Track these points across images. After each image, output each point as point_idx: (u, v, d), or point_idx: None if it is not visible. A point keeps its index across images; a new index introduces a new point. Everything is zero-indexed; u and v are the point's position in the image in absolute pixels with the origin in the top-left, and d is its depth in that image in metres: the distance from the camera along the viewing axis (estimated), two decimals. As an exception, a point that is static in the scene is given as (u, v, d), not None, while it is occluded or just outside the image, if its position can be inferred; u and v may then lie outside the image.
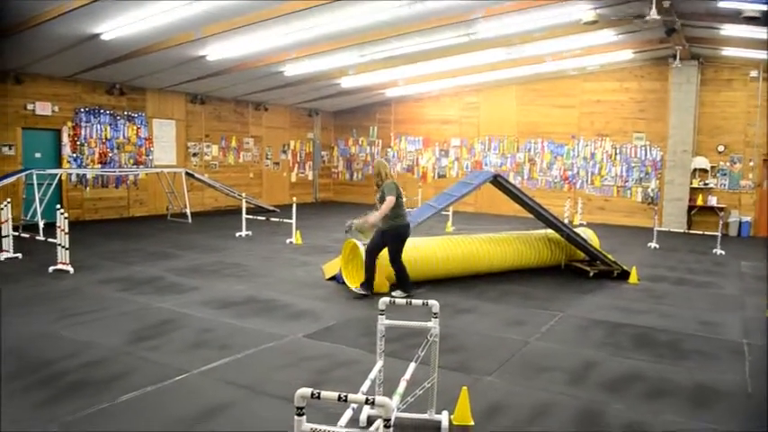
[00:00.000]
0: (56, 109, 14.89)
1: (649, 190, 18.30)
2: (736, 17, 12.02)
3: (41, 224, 11.79)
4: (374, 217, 8.06)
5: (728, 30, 14.11)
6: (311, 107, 22.30)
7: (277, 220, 14.35)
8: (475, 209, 20.35)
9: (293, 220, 12.97)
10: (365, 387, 3.99)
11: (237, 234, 13.53)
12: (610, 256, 10.39)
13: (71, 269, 9.29)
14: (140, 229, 14.41)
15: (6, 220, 10.13)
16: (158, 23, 11.04)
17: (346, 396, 2.72)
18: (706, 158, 17.67)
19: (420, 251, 9.06)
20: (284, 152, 21.72)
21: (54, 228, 9.59)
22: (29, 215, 12.57)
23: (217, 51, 13.40)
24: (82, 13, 10.30)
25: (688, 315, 8.09)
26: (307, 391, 2.71)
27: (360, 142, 23.13)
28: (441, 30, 12.97)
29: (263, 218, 14.58)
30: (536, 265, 10.50)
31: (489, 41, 14.32)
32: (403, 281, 8.36)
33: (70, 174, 15.15)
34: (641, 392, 5.36)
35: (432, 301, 4.46)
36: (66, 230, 9.28)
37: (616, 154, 18.78)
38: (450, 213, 15.63)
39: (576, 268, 10.52)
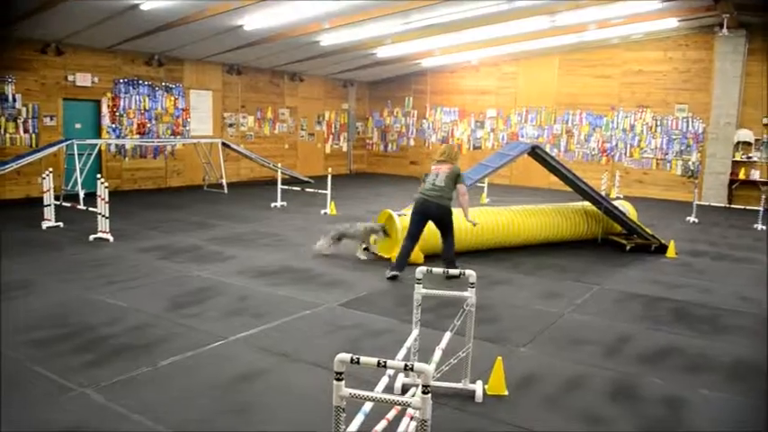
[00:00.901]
0: (96, 80, 15.10)
1: (690, 163, 17.90)
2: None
3: (82, 194, 12.05)
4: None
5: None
6: (346, 78, 22.21)
7: (312, 190, 14.43)
8: (509, 181, 20.16)
9: (328, 191, 13.02)
10: (401, 355, 4.03)
11: (273, 204, 13.64)
12: (648, 230, 10.23)
13: (111, 237, 9.49)
14: (177, 199, 14.63)
15: (48, 190, 10.35)
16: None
17: (385, 362, 2.74)
18: (750, 131, 17.16)
19: (455, 222, 9.01)
20: (319, 123, 21.74)
21: (94, 197, 9.79)
22: (69, 185, 12.83)
23: (254, 21, 13.40)
24: (120, -17, 10.38)
25: (727, 290, 7.95)
26: (346, 356, 2.73)
27: (395, 113, 23.01)
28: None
29: (298, 188, 14.67)
30: (572, 237, 10.40)
31: (531, 9, 14.03)
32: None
33: (109, 144, 15.40)
34: (678, 366, 5.31)
35: (469, 271, 4.46)
36: (106, 200, 9.46)
37: (656, 126, 18.37)
38: (485, 185, 15.52)
39: (613, 242, 10.39)
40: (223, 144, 16.61)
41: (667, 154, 18.28)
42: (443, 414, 4.26)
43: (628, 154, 18.78)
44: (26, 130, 13.90)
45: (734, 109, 16.98)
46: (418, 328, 4.48)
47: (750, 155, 17.20)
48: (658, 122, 18.34)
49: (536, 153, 9.42)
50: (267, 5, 12.31)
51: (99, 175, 10.27)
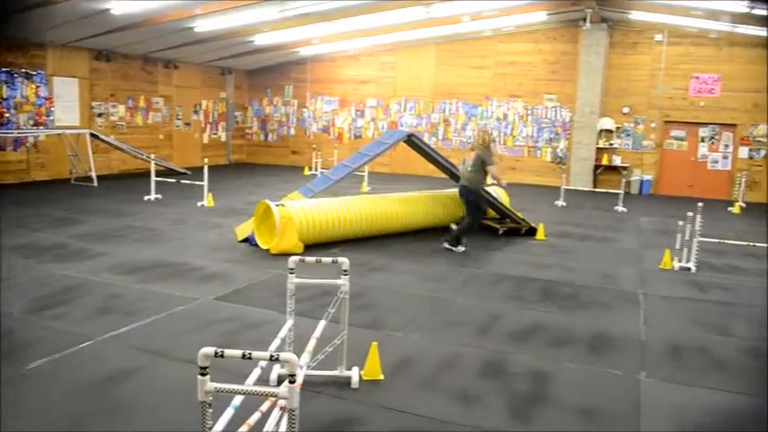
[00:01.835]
0: (-57, 65, 13.86)
1: (558, 150, 18.91)
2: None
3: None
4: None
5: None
6: (224, 65, 21.64)
7: (188, 182, 13.99)
8: (390, 169, 20.47)
9: (205, 183, 12.67)
10: (274, 346, 4.00)
11: (146, 197, 13.10)
12: (519, 214, 10.72)
13: (-35, 236, 8.79)
14: (43, 193, 13.73)
15: None
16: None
17: (250, 354, 2.71)
18: (611, 119, 18.36)
19: (334, 211, 9.05)
20: (196, 112, 21.05)
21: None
22: None
23: (122, 4, 12.73)
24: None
25: (590, 268, 8.49)
26: (210, 350, 2.67)
27: (275, 102, 22.71)
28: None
29: (174, 180, 14.18)
30: (449, 223, 10.70)
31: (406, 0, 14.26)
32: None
33: (-38, 135, 14.20)
34: (544, 341, 5.61)
35: (341, 259, 4.48)
36: (-42, 195, 8.73)
37: (527, 115, 19.25)
38: (365, 173, 15.66)
39: (487, 226, 10.80)
40: (92, 135, 15.73)
41: (538, 142, 19.22)
42: (319, 402, 4.28)
43: (501, 142, 19.56)
44: None
45: (597, 99, 18.08)
46: (293, 318, 4.46)
47: (612, 142, 18.40)
48: (529, 112, 19.23)
49: (412, 141, 9.61)
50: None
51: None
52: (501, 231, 10.44)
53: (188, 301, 6.40)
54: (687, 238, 8.70)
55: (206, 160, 13.37)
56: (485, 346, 5.44)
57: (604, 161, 18.33)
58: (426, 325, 5.94)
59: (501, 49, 19.35)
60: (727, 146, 17.87)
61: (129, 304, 6.23)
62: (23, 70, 15.48)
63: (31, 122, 15.71)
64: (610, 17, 17.60)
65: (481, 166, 9.04)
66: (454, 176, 10.22)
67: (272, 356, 2.70)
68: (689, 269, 8.64)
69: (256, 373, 3.70)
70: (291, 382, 2.62)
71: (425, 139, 19.71)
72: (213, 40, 16.98)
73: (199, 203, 12.57)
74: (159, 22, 14.52)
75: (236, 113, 22.80)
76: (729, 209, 15.42)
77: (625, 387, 4.76)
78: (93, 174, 15.25)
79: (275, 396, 2.77)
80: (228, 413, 3.04)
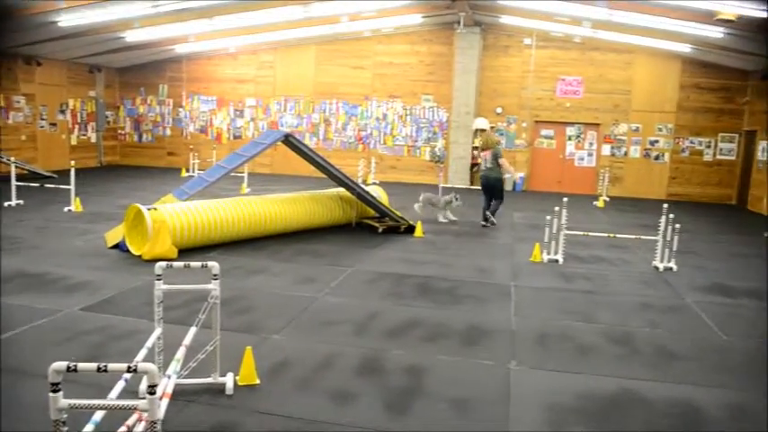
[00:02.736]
0: None
1: (436, 149, 19.39)
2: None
3: None
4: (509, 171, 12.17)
5: (505, 1, 15.28)
6: (93, 63, 20.52)
7: (54, 186, 13.17)
8: (271, 170, 20.24)
9: (72, 186, 11.97)
10: (141, 356, 3.84)
11: (6, 204, 12.20)
12: (398, 213, 10.91)
13: None
14: None
15: None
16: None
17: (106, 366, 2.59)
18: (486, 119, 19.06)
19: (211, 214, 8.83)
20: (62, 112, 19.85)
21: None
22: None
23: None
24: None
25: (466, 264, 8.78)
26: (62, 365, 2.53)
27: (149, 101, 21.82)
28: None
29: (38, 185, 13.30)
30: (329, 223, 10.74)
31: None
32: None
33: None
34: (420, 337, 5.74)
35: (211, 263, 4.36)
36: None
37: (407, 115, 19.63)
38: (245, 174, 15.39)
39: (367, 225, 10.92)
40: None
41: (417, 141, 19.64)
42: (192, 411, 4.16)
43: (382, 142, 19.83)
44: None
45: (472, 99, 18.71)
46: (161, 326, 4.30)
47: (486, 141, 19.08)
48: (408, 112, 19.61)
49: (290, 141, 9.53)
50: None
51: None
52: (381, 230, 10.58)
53: (50, 313, 6.02)
54: (555, 231, 9.18)
55: (73, 162, 12.64)
56: (362, 344, 5.49)
57: (480, 160, 18.96)
58: (304, 326, 5.92)
59: (380, 49, 19.62)
60: (591, 144, 19.04)
61: (-18, 319, 5.78)
62: None
63: None
64: (482, 21, 18.27)
65: (495, 160, 11.58)
66: (334, 177, 10.25)
67: (129, 368, 2.58)
68: (557, 261, 9.13)
69: (120, 385, 3.54)
70: (152, 393, 2.53)
71: (306, 140, 19.72)
72: (80, 35, 16.06)
73: (66, 209, 11.86)
74: (19, 16, 13.55)
75: (108, 113, 21.70)
76: (594, 203, 16.44)
77: (496, 376, 4.96)
78: (-56, 179, 14.04)
79: (135, 409, 2.66)
80: (89, 428, 2.89)
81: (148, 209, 8.31)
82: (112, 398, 3.40)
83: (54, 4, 13.11)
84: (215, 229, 8.85)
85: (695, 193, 18.69)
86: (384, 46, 19.56)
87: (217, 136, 21.11)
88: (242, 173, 15.40)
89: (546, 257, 9.19)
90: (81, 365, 2.53)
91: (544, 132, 19.16)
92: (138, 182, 17.00)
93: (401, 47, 19.48)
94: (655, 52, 18.02)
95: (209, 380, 4.49)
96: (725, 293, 7.94)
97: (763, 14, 11.53)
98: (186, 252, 8.39)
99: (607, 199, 17.17)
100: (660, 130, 18.65)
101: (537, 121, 19.13)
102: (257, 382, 4.59)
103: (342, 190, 10.81)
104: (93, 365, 2.57)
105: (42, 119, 19.08)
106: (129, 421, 3.28)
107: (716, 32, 13.89)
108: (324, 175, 11.28)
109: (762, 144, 16.95)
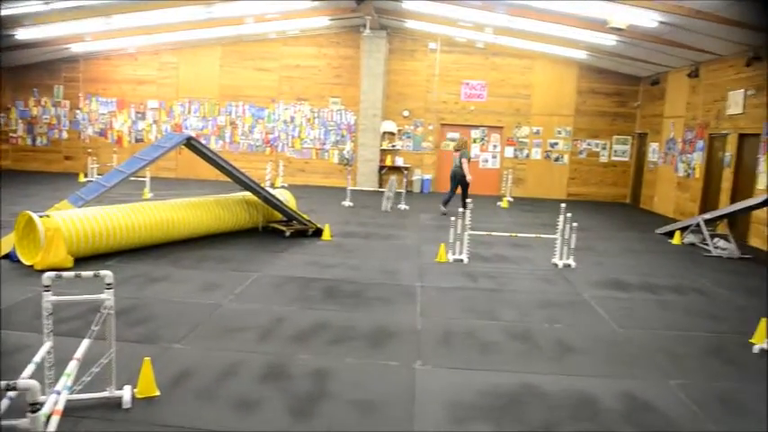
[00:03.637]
0: None
1: (345, 152, 19.44)
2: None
3: None
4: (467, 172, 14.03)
5: (409, 4, 15.49)
6: (-22, 62, 19.30)
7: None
8: (176, 174, 19.67)
9: (-45, 193, 11.21)
10: (28, 372, 3.63)
11: None
12: (305, 216, 10.85)
13: None
14: None
15: None
16: None
17: (-18, 385, 2.43)
18: (393, 122, 19.27)
19: (110, 220, 8.47)
20: (-55, 114, 18.56)
21: None
22: None
23: None
24: None
25: (373, 266, 8.83)
26: (-69, 385, 2.36)
27: (43, 103, 20.70)
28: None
29: None
30: (235, 228, 10.53)
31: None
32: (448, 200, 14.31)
33: None
34: (326, 340, 5.72)
35: (104, 272, 4.18)
36: None
37: (314, 118, 19.55)
38: (147, 179, 14.89)
39: (274, 229, 10.80)
40: None
41: (325, 144, 19.60)
42: (86, 427, 3.98)
43: (290, 145, 19.67)
44: None
45: (379, 102, 18.85)
46: (51, 340, 4.08)
47: (394, 143, 19.31)
48: (316, 114, 19.54)
49: (192, 144, 9.29)
50: None
51: None
52: (288, 234, 10.48)
53: (-71, 329, 5.61)
54: (459, 232, 9.38)
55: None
56: (267, 350, 5.42)
57: (388, 162, 19.19)
58: (207, 334, 5.78)
59: (286, 52, 19.45)
60: (495, 146, 19.58)
61: None
62: None
63: None
64: (388, 24, 18.45)
65: (461, 160, 13.99)
66: (239, 180, 10.06)
67: (8, 386, 2.44)
68: (462, 261, 9.32)
69: (5, 404, 3.34)
70: (33, 411, 2.40)
71: (212, 143, 19.31)
72: (-38, 32, 15.08)
73: (-52, 217, 11.09)
74: None
75: (-3, 115, 20.45)
76: (499, 203, 16.91)
77: (401, 377, 5.00)
78: None
79: (15, 428, 2.51)
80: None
81: (40, 216, 7.89)
82: (-6, 418, 3.21)
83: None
84: (114, 237, 8.50)
85: (592, 192, 19.57)
86: (290, 48, 19.41)
87: (117, 139, 20.29)
88: (144, 177, 14.89)
89: (451, 257, 9.37)
90: (-47, 385, 2.37)
91: (450, 135, 19.54)
92: (32, 188, 16.10)
93: (308, 49, 19.39)
94: (553, 58, 18.75)
95: (105, 394, 4.31)
96: (619, 288, 8.34)
97: (652, 24, 12.23)
98: (84, 261, 8.02)
99: (511, 199, 17.71)
100: (559, 132, 19.42)
101: (443, 124, 19.50)
102: (157, 393, 4.44)
103: (248, 194, 10.63)
104: (-32, 384, 2.41)
105: None
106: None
107: (609, 40, 14.61)
108: (230, 179, 11.08)
109: (652, 146, 17.96)
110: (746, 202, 11.39)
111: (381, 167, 19.11)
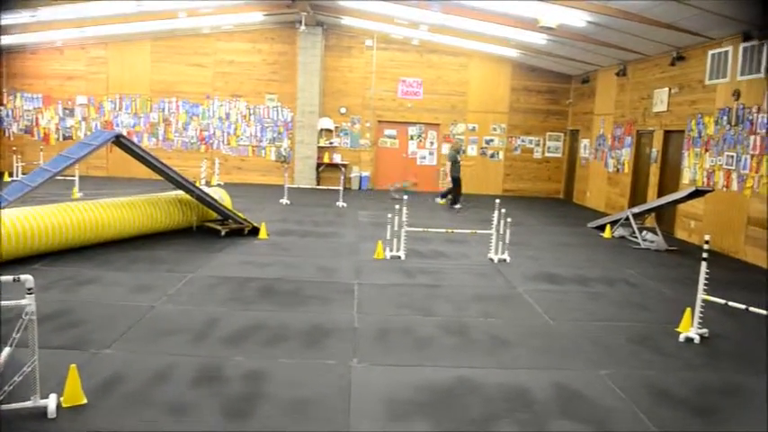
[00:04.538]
0: None
1: (282, 149, 19.25)
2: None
3: None
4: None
5: (345, 2, 15.46)
6: None
7: None
8: (107, 173, 19.08)
9: None
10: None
11: None
12: (241, 215, 10.69)
13: None
14: None
15: None
16: None
17: None
18: (331, 119, 19.19)
19: (34, 221, 8.14)
20: None
21: None
22: None
23: None
24: None
25: (310, 264, 8.77)
26: None
27: (-38, 99, 19.75)
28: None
29: None
30: (168, 227, 10.28)
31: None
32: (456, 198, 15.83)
33: None
34: (262, 341, 5.65)
35: (25, 276, 4.01)
36: None
37: (250, 115, 19.29)
38: (76, 178, 14.40)
39: (210, 228, 10.60)
40: None
41: (262, 141, 19.37)
42: (7, 439, 3.81)
43: (226, 142, 19.35)
44: None
45: (316, 99, 18.74)
46: (-32, 348, 3.90)
47: (332, 140, 19.25)
48: (252, 111, 19.28)
49: (121, 142, 9.03)
50: None
51: None
52: (223, 233, 10.31)
53: None
54: (396, 228, 9.42)
55: None
56: (200, 352, 5.31)
57: (326, 159, 19.12)
58: (138, 338, 5.62)
59: (220, 47, 19.12)
60: (432, 143, 19.75)
61: None
62: None
63: None
64: (324, 21, 18.35)
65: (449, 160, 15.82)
66: (171, 179, 9.82)
67: None
68: (399, 257, 9.37)
69: None
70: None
71: (144, 141, 18.83)
72: None
73: None
74: None
75: None
76: (437, 200, 17.05)
77: (337, 375, 4.99)
78: None
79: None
80: None
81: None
82: None
83: None
84: (40, 238, 8.17)
85: (527, 188, 19.99)
86: (225, 43, 19.09)
87: (44, 137, 19.53)
88: (73, 176, 14.39)
89: (389, 254, 9.41)
90: None
91: (387, 132, 19.61)
92: None
93: (243, 45, 19.11)
94: (487, 56, 19.04)
95: (29, 404, 4.13)
96: (552, 281, 8.54)
97: (581, 24, 12.55)
98: (6, 264, 7.67)
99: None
100: (495, 129, 19.75)
101: (380, 121, 19.54)
102: (84, 401, 4.29)
103: (181, 192, 10.40)
104: None
105: None
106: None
107: (540, 39, 14.92)
108: (163, 178, 10.83)
109: (584, 142, 18.47)
110: (672, 195, 11.85)
111: (319, 165, 19.02)
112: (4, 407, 4.01)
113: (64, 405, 4.22)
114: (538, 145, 19.95)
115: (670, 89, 13.48)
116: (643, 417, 4.53)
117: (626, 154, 15.58)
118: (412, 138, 19.66)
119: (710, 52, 11.95)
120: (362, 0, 15.10)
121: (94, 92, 19.39)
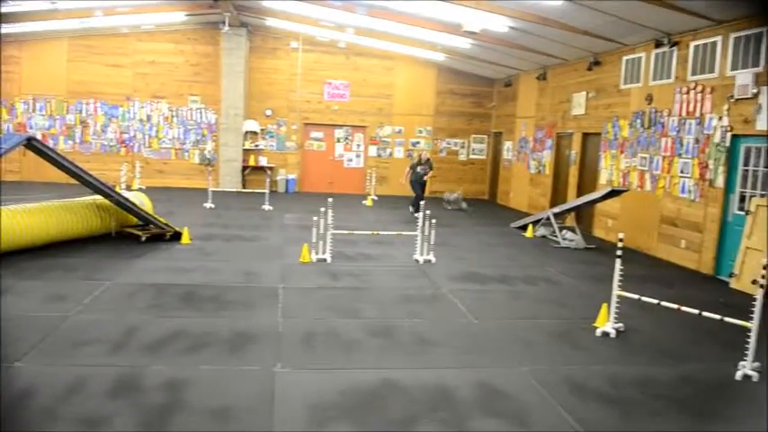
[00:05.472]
0: None
1: (206, 152, 18.88)
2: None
3: None
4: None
5: (269, 3, 15.30)
6: None
7: None
8: (21, 177, 18.21)
9: None
10: None
11: None
12: (162, 220, 10.42)
13: None
14: None
15: None
16: None
17: None
18: (256, 121, 18.96)
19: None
20: None
21: None
22: None
23: None
24: None
25: (234, 268, 8.63)
26: None
27: None
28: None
29: None
30: (85, 234, 9.90)
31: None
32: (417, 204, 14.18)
33: None
34: (182, 349, 5.51)
35: None
36: None
37: (173, 117, 18.83)
38: (-16, 183, 13.70)
39: (129, 234, 10.27)
40: None
41: (185, 144, 18.93)
42: None
43: (147, 144, 18.82)
44: None
45: (241, 101, 18.46)
46: None
47: (257, 143, 19.01)
48: (174, 113, 18.82)
49: (33, 145, 8.64)
50: None
51: None
52: (144, 238, 10.01)
53: None
54: (322, 231, 9.38)
55: None
56: (117, 362, 5.13)
57: (251, 162, 18.86)
58: (51, 350, 5.38)
59: (140, 47, 18.59)
60: (359, 146, 19.79)
61: None
62: None
63: None
64: (249, 22, 18.11)
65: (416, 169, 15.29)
66: (87, 183, 9.47)
67: None
68: (325, 260, 9.33)
69: None
70: None
71: (61, 143, 18.10)
72: None
73: None
74: None
75: None
76: (364, 202, 17.10)
77: (260, 381, 4.92)
78: None
79: None
80: None
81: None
82: None
83: None
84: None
85: (453, 189, 20.22)
86: (145, 44, 18.56)
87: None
88: (-19, 181, 13.69)
89: (314, 257, 9.36)
90: None
91: (314, 134, 19.54)
92: None
93: (164, 45, 18.63)
94: (413, 59, 19.23)
95: (-73, 422, 3.90)
96: (476, 281, 8.69)
97: (503, 29, 12.84)
98: None
99: (375, 198, 17.98)
100: (420, 132, 19.97)
101: (306, 124, 19.45)
102: (-10, 417, 4.08)
103: (98, 197, 10.04)
104: None
105: None
106: None
107: (464, 43, 15.19)
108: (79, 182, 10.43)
109: (507, 144, 18.90)
110: (590, 195, 12.28)
111: (244, 167, 18.74)
112: None
113: (-32, 423, 4.01)
114: (463, 147, 20.30)
115: (587, 93, 13.97)
116: (561, 410, 4.66)
117: (547, 156, 16.03)
118: (339, 140, 19.65)
119: (625, 58, 12.46)
120: (286, 0, 14.97)
121: (6, 93, 18.45)
